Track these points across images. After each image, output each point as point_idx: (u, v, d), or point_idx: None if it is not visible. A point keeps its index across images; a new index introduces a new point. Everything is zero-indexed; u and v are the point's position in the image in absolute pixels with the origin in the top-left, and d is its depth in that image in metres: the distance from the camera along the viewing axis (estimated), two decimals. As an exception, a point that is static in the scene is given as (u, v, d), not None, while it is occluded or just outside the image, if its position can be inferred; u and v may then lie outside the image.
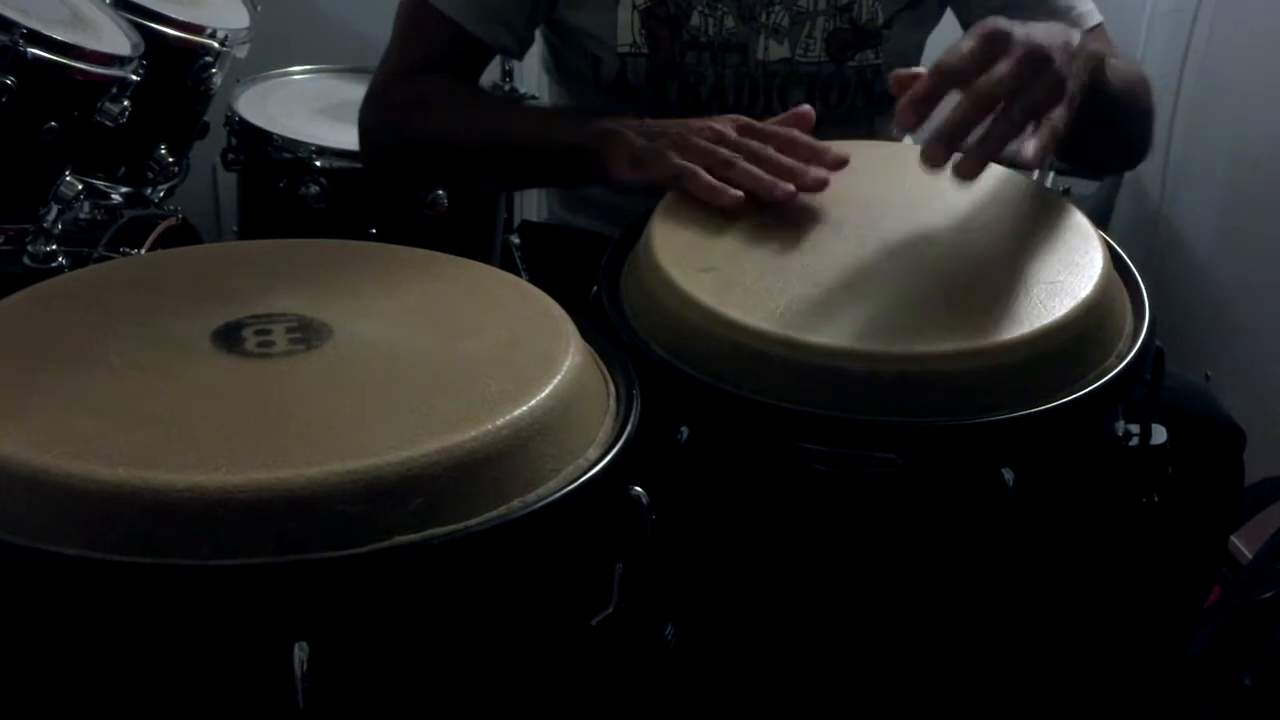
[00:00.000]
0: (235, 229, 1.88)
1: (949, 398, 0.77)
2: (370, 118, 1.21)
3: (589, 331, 0.80)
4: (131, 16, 1.53)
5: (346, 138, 1.66)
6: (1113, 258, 0.90)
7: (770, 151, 0.95)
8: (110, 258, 1.52)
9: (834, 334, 0.79)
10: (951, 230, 0.91)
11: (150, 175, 1.69)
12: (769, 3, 1.16)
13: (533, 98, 1.86)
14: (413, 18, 1.19)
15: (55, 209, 1.43)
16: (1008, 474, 0.77)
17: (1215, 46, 1.96)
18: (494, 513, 0.64)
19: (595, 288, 0.90)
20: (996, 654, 0.88)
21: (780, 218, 0.92)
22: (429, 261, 0.87)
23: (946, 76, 0.84)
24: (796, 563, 0.83)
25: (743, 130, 0.98)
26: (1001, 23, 0.86)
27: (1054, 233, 0.90)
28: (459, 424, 0.65)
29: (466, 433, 0.64)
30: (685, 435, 0.79)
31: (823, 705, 0.88)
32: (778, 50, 1.17)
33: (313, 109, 1.82)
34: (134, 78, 1.43)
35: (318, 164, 1.67)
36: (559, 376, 0.71)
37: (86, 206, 1.57)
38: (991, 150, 0.84)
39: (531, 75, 1.85)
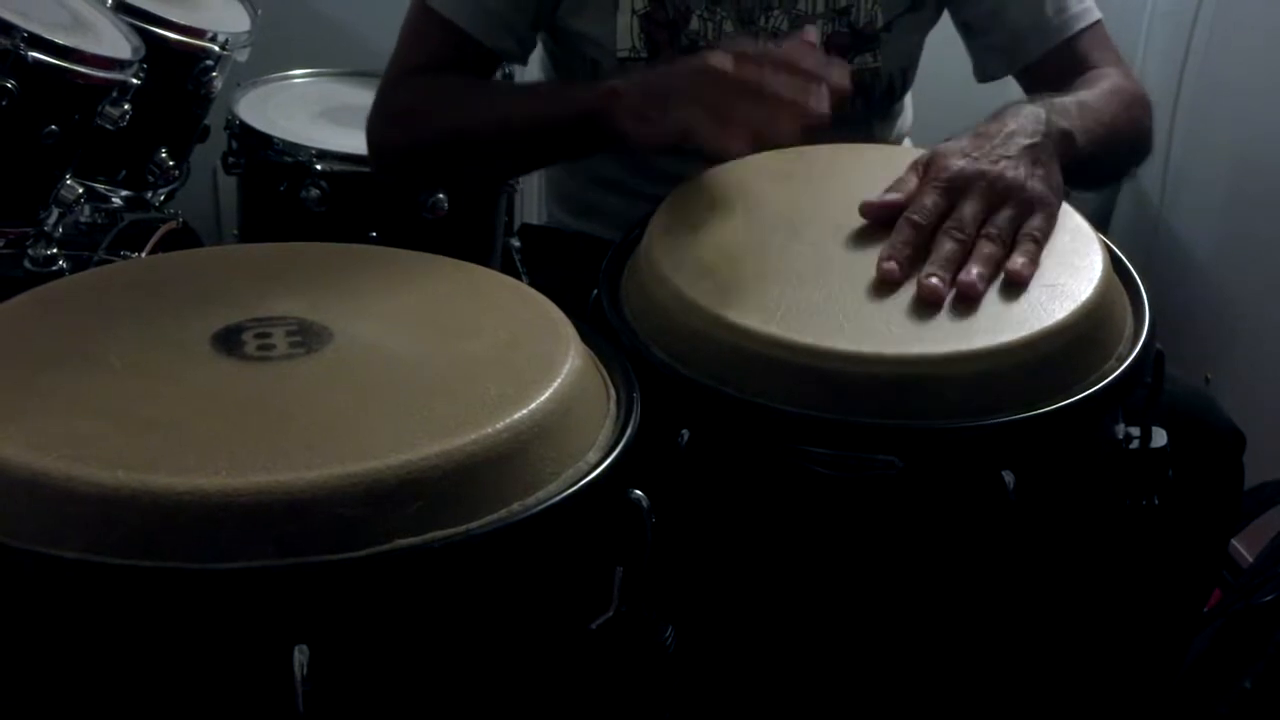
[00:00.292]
0: (235, 232, 1.88)
1: (949, 400, 0.77)
2: (379, 124, 1.21)
3: (589, 335, 0.80)
4: (132, 20, 1.53)
5: (347, 141, 1.66)
6: (1112, 260, 0.90)
7: (769, 77, 0.92)
8: (111, 261, 1.52)
9: (834, 337, 0.79)
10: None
11: (151, 179, 1.69)
12: (768, 7, 1.16)
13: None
14: (418, 24, 1.19)
15: (56, 212, 1.43)
16: (1008, 477, 0.77)
17: (1215, 48, 1.96)
18: (494, 516, 0.64)
19: (595, 291, 0.90)
20: (997, 657, 0.88)
21: (781, 221, 0.92)
22: (429, 265, 0.87)
23: (918, 229, 0.87)
24: (797, 566, 0.83)
25: (740, 60, 0.94)
26: (955, 169, 0.89)
27: (1054, 235, 0.90)
28: (459, 427, 0.65)
29: (466, 436, 0.64)
30: (685, 438, 0.79)
31: (824, 709, 0.88)
32: (777, 54, 1.17)
33: (313, 112, 1.82)
34: (134, 81, 1.43)
35: (318, 167, 1.66)
36: (559, 380, 0.71)
37: (87, 210, 1.57)
38: (990, 274, 0.85)
39: (531, 78, 1.85)
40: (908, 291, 0.84)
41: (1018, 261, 0.85)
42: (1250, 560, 1.51)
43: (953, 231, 0.86)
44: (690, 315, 0.82)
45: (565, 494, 0.66)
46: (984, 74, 1.23)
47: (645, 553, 0.71)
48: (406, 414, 0.66)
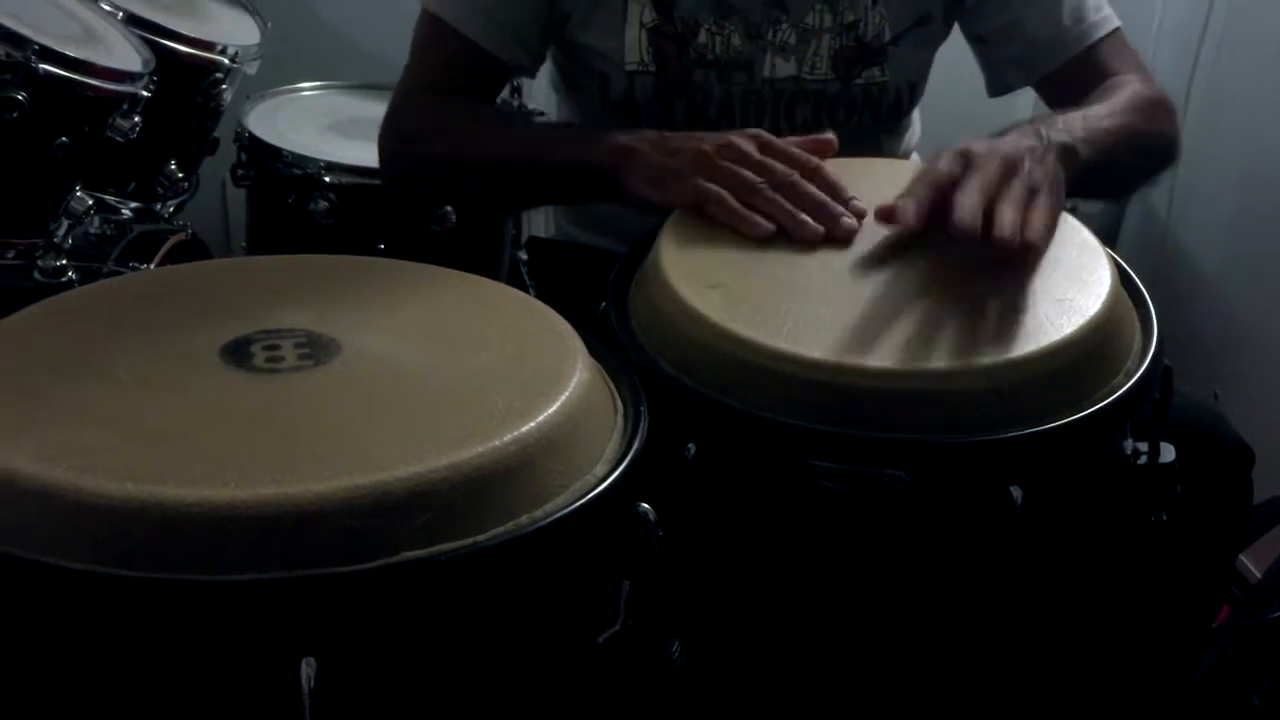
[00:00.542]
0: (244, 244, 1.88)
1: (957, 415, 0.77)
2: (389, 138, 1.21)
3: (596, 347, 0.80)
4: (143, 33, 1.53)
5: (355, 154, 1.67)
6: (1121, 275, 0.90)
7: (797, 179, 0.94)
8: (120, 273, 1.53)
9: (842, 351, 0.79)
10: (959, 247, 0.91)
11: (160, 190, 1.69)
12: (776, 21, 1.16)
13: (540, 114, 1.86)
14: (429, 37, 1.19)
15: (65, 224, 1.43)
16: (1016, 492, 0.77)
17: (1222, 63, 1.96)
18: (501, 529, 0.64)
19: (603, 304, 0.90)
20: (1005, 672, 0.88)
21: (788, 234, 0.92)
22: (437, 277, 0.87)
23: (935, 189, 0.87)
24: (804, 580, 0.83)
25: (764, 149, 0.96)
26: (966, 147, 0.91)
27: (1061, 250, 0.90)
28: (466, 440, 0.65)
29: (474, 449, 0.64)
30: (692, 451, 0.79)
31: (830, 723, 0.88)
32: (784, 68, 1.18)
33: (322, 125, 1.83)
34: (145, 94, 1.43)
35: (326, 180, 1.67)
36: (566, 393, 0.71)
37: (96, 221, 1.57)
38: (1015, 222, 0.86)
39: (540, 92, 1.85)
40: (916, 306, 0.84)
41: (1035, 226, 0.86)
42: (1259, 576, 1.51)
43: (972, 183, 0.87)
44: (698, 328, 0.82)
45: (572, 507, 0.66)
46: (998, 87, 1.23)
47: (652, 566, 0.71)
48: (414, 426, 0.66)
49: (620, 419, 0.76)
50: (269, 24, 1.81)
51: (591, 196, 1.16)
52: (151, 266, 1.58)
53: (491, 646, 0.67)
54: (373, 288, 0.84)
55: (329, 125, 1.83)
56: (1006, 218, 0.85)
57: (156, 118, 1.50)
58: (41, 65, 1.27)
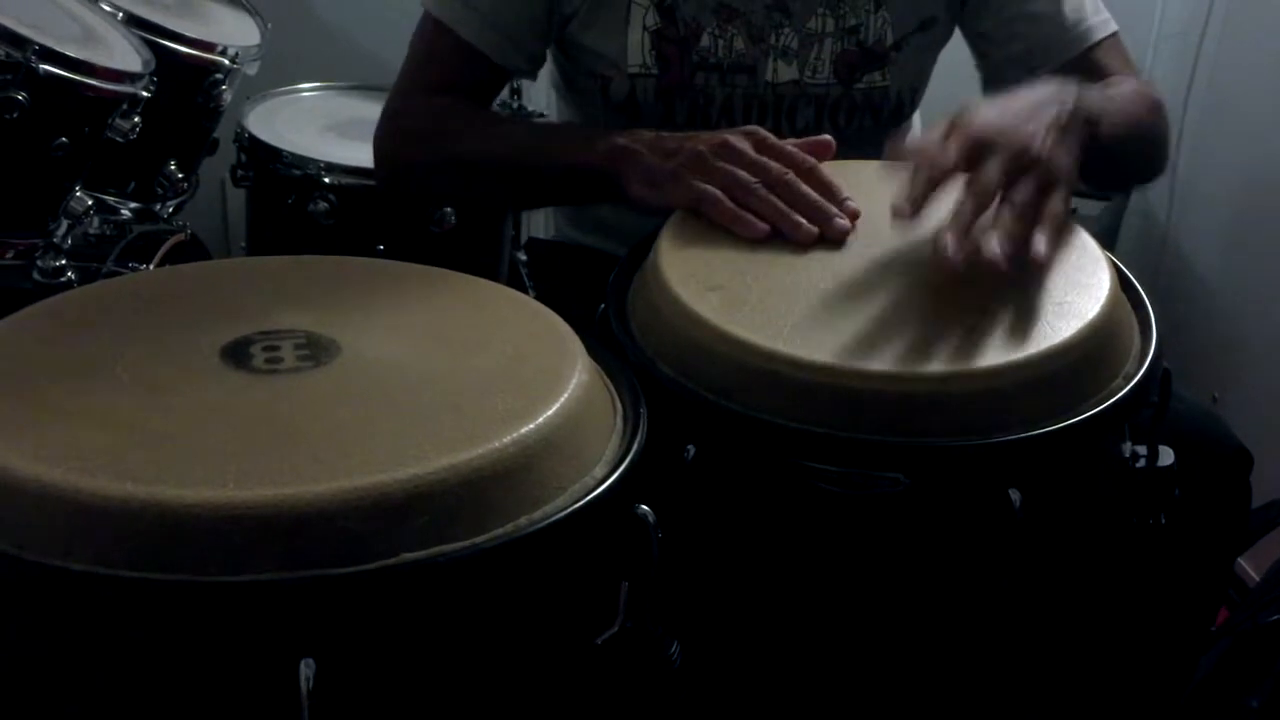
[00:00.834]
0: (243, 245, 1.88)
1: (956, 418, 0.77)
2: (385, 138, 1.21)
3: (596, 349, 0.80)
4: (143, 33, 1.54)
5: (355, 154, 1.67)
6: (1120, 279, 0.90)
7: (792, 179, 0.94)
8: (119, 273, 1.53)
9: (841, 353, 0.79)
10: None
11: (160, 191, 1.70)
12: (778, 25, 1.16)
13: (541, 115, 1.87)
14: (428, 39, 1.19)
15: (65, 224, 1.43)
16: (1014, 495, 0.77)
17: (1221, 69, 1.96)
18: (501, 530, 0.64)
19: (602, 305, 0.90)
20: (1004, 675, 0.88)
21: (787, 236, 0.92)
22: (436, 278, 0.87)
23: (936, 170, 0.85)
24: (803, 582, 0.83)
25: (759, 147, 0.96)
26: (981, 126, 0.88)
27: (1061, 253, 0.90)
28: (466, 441, 0.65)
29: (474, 450, 0.64)
30: (692, 453, 0.79)
31: (828, 725, 0.88)
32: (786, 72, 1.18)
33: (321, 126, 1.83)
34: (145, 94, 1.44)
35: (326, 181, 1.67)
36: (566, 394, 0.71)
37: (96, 222, 1.57)
38: (1013, 252, 0.83)
39: (540, 93, 1.86)
40: (915, 309, 0.84)
41: (1040, 243, 0.84)
42: (1257, 579, 1.51)
43: (974, 191, 0.85)
44: (697, 330, 0.82)
45: (572, 509, 0.66)
46: (995, 86, 1.23)
47: (651, 568, 0.71)
48: (413, 428, 0.66)
49: (619, 420, 0.76)
50: (269, 25, 1.81)
51: (589, 197, 1.16)
52: (151, 267, 1.58)
53: (491, 648, 0.67)
54: (372, 289, 0.84)
55: (329, 126, 1.83)
56: (996, 249, 0.82)
57: (156, 118, 1.51)
58: (42, 65, 1.28)
